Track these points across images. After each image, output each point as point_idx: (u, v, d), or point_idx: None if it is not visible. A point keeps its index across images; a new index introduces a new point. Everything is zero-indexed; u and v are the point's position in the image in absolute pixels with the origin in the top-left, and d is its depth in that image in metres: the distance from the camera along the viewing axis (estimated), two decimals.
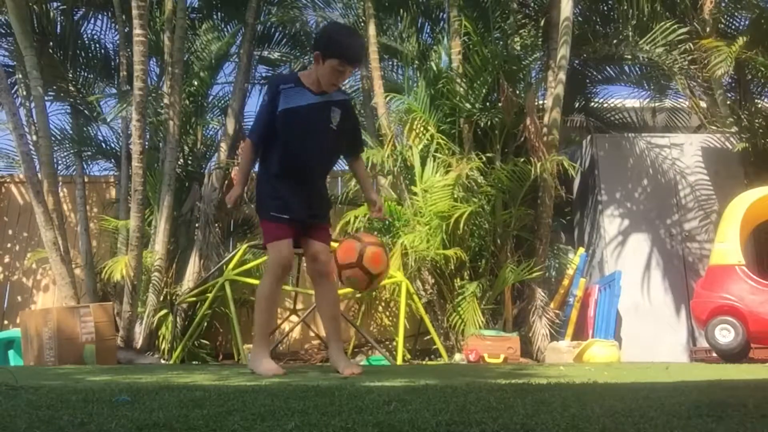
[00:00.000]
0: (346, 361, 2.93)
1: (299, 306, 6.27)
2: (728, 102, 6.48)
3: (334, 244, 3.16)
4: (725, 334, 4.58)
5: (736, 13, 6.75)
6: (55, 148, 6.69)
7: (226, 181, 6.72)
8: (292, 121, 2.86)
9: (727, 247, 4.89)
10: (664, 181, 6.38)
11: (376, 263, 2.85)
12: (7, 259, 7.24)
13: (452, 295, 5.81)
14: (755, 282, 4.67)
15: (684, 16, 6.45)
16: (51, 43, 6.95)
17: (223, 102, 7.43)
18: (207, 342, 6.30)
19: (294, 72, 3.06)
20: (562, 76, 6.00)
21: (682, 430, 1.22)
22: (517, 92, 6.33)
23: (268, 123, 2.88)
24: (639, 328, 5.89)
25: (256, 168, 3.07)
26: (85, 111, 7.10)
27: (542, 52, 6.88)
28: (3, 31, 6.77)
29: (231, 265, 5.29)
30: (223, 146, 6.62)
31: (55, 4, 7.12)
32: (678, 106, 7.62)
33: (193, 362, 5.82)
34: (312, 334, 6.52)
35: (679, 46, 6.20)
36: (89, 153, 7.14)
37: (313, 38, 3.09)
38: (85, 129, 7.16)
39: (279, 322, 6.60)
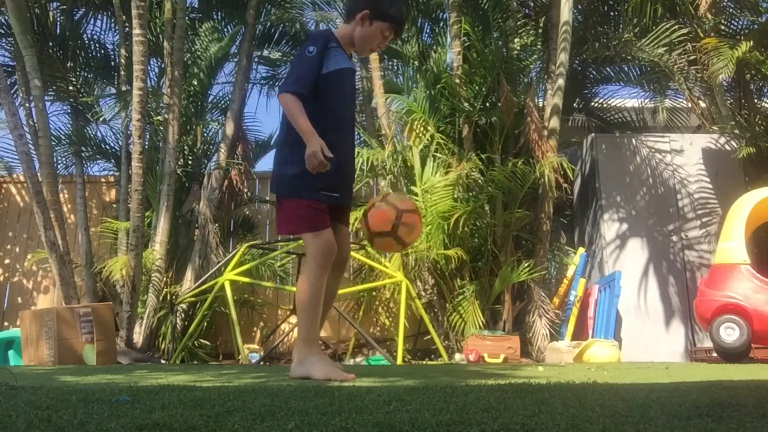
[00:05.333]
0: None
1: None
2: (728, 102, 6.48)
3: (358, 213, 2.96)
4: (730, 333, 4.58)
5: (737, 14, 6.74)
6: (55, 148, 6.69)
7: (226, 181, 6.72)
8: (339, 85, 2.58)
9: (731, 245, 4.88)
10: (664, 182, 6.38)
11: (410, 233, 2.67)
12: (7, 261, 7.24)
13: (452, 295, 5.81)
14: (760, 281, 4.67)
15: (684, 16, 6.45)
16: (51, 43, 6.95)
17: (223, 102, 7.43)
18: (207, 342, 6.31)
19: (327, 29, 2.71)
20: (561, 82, 5.99)
21: (682, 430, 1.22)
22: (517, 92, 6.34)
23: (315, 77, 2.51)
24: (639, 328, 5.89)
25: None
26: (85, 111, 7.10)
27: (542, 53, 6.88)
28: (3, 31, 6.77)
29: (231, 266, 5.30)
30: (223, 147, 6.62)
31: (55, 4, 7.12)
32: (677, 106, 7.62)
33: (193, 362, 5.82)
34: None
35: (678, 47, 6.20)
36: (88, 153, 7.15)
37: None
38: (85, 129, 7.16)
39: (279, 322, 6.62)
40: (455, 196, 5.81)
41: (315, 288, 2.47)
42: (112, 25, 7.15)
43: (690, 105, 6.97)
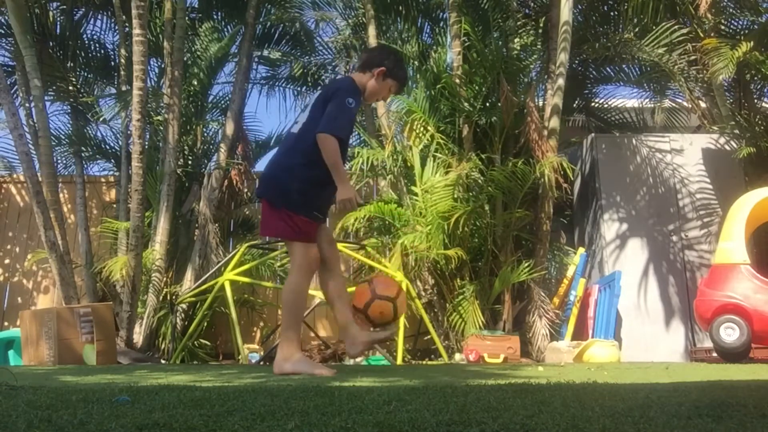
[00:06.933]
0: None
1: None
2: (728, 102, 6.48)
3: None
4: (730, 333, 4.57)
5: (737, 14, 6.74)
6: (55, 148, 6.69)
7: (226, 181, 6.72)
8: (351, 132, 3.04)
9: (731, 245, 4.88)
10: (664, 182, 6.38)
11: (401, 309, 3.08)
12: (7, 261, 7.23)
13: (452, 295, 5.81)
14: (760, 281, 4.66)
15: (684, 16, 6.45)
16: (51, 43, 6.95)
17: (223, 102, 7.43)
18: (207, 342, 6.30)
19: (353, 79, 3.03)
20: (561, 82, 5.99)
21: (682, 430, 1.22)
22: (517, 92, 6.33)
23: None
24: (639, 329, 5.89)
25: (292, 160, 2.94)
26: (85, 111, 7.10)
27: (542, 53, 6.88)
28: (3, 31, 6.78)
29: (231, 266, 5.29)
30: (223, 147, 6.62)
31: (55, 4, 7.12)
32: (677, 106, 7.62)
33: (193, 362, 5.82)
34: (312, 334, 6.52)
35: (678, 47, 6.20)
36: (88, 153, 7.15)
37: (371, 51, 3.37)
38: (85, 129, 7.17)
39: (279, 322, 6.61)
40: (455, 196, 5.80)
41: (302, 291, 2.87)
42: (112, 25, 7.15)
43: (690, 105, 6.97)
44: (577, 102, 7.60)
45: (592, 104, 7.82)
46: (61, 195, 6.42)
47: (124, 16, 6.51)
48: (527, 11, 7.17)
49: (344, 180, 2.77)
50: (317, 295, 4.97)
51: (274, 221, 2.89)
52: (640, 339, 5.83)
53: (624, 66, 7.35)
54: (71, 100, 7.10)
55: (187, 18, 6.71)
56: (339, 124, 2.80)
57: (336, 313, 3.02)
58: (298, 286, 2.84)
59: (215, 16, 7.43)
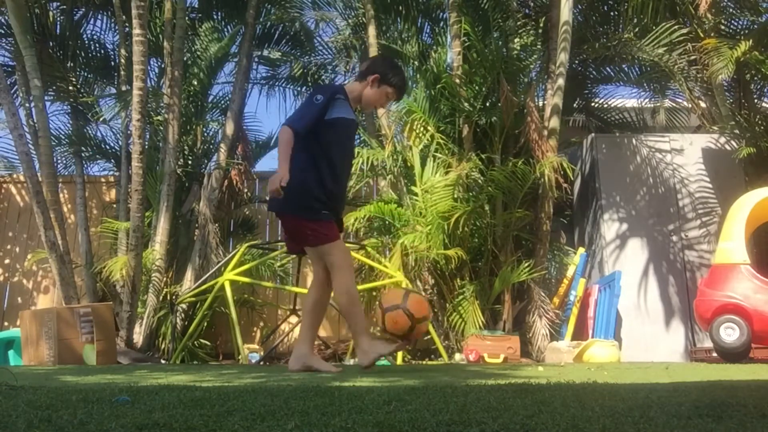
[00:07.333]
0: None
1: (299, 306, 6.26)
2: (728, 102, 6.48)
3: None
4: (730, 333, 4.57)
5: (737, 14, 6.74)
6: (55, 148, 6.69)
7: (226, 181, 6.72)
8: (342, 131, 3.06)
9: (731, 245, 4.87)
10: (664, 182, 6.37)
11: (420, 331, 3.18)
12: (7, 261, 7.23)
13: (452, 295, 5.81)
14: (760, 281, 4.66)
15: (684, 16, 6.45)
16: (51, 43, 6.95)
17: (223, 102, 7.43)
18: (207, 342, 6.30)
19: (339, 84, 3.21)
20: (561, 82, 5.99)
21: (682, 430, 1.22)
22: (517, 92, 6.33)
23: (316, 121, 2.96)
24: (639, 329, 5.89)
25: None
26: (85, 111, 7.10)
27: (542, 53, 6.88)
28: (3, 31, 6.78)
29: (231, 266, 5.29)
30: (223, 147, 6.62)
31: (55, 4, 7.12)
32: (677, 106, 7.62)
33: (193, 362, 5.82)
34: None
35: (678, 47, 6.20)
36: (88, 153, 7.15)
37: (369, 61, 3.50)
38: (85, 129, 7.17)
39: (279, 322, 6.62)
40: (455, 196, 5.81)
41: (351, 288, 2.98)
42: (112, 25, 7.15)
43: (690, 105, 6.96)
44: (577, 102, 7.60)
45: (592, 104, 7.82)
46: (61, 195, 6.42)
47: (124, 16, 6.51)
48: (527, 11, 7.17)
49: (282, 168, 2.84)
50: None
51: (295, 231, 3.05)
52: (640, 339, 5.83)
53: (624, 66, 7.35)
54: (71, 100, 7.10)
55: (187, 18, 6.71)
56: (297, 117, 2.98)
57: (301, 325, 3.13)
58: (345, 285, 2.96)
59: (215, 16, 7.43)
